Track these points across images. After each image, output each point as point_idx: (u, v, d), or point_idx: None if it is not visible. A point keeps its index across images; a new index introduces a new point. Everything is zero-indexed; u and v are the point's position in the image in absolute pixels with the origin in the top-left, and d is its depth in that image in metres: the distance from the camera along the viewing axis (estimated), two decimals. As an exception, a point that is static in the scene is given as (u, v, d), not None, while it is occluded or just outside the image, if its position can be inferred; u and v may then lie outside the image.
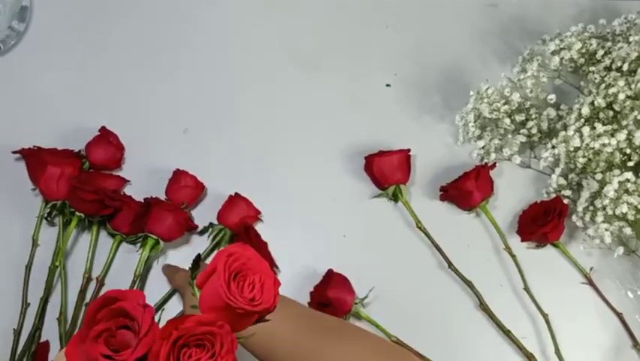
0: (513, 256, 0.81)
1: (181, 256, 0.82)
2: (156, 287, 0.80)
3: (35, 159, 0.81)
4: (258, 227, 0.81)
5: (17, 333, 0.76)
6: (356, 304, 0.78)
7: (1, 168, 0.85)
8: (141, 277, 0.79)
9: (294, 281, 0.81)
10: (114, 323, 0.42)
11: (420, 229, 0.82)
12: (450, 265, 0.80)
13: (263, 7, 0.97)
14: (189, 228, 0.81)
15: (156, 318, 0.75)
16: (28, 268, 0.79)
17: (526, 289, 0.79)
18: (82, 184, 0.77)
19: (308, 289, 0.79)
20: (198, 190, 0.83)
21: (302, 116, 0.90)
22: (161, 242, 0.79)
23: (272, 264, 0.79)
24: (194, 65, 0.93)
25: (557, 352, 0.77)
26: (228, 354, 0.41)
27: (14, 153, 0.83)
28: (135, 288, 0.78)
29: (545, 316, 0.78)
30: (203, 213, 0.83)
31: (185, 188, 0.83)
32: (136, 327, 0.42)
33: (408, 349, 0.76)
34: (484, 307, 0.79)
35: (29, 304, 0.77)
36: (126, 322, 0.42)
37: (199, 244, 0.82)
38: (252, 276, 0.44)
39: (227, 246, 0.44)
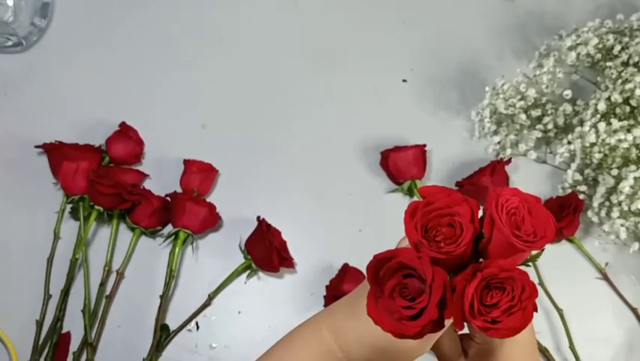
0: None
1: (210, 245, 0.84)
2: (189, 282, 0.82)
3: (56, 154, 0.83)
4: (276, 220, 0.82)
5: (40, 324, 0.78)
6: (371, 298, 0.79)
7: (24, 162, 0.87)
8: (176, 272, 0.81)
9: (311, 275, 0.82)
10: (399, 275, 0.45)
11: (435, 223, 0.82)
12: (465, 259, 0.81)
13: (283, 1, 0.98)
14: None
15: (192, 324, 0.77)
16: (50, 260, 0.80)
17: (541, 284, 0.79)
18: (100, 178, 0.79)
19: (324, 282, 0.80)
20: (211, 175, 0.85)
21: (319, 111, 0.91)
22: (194, 236, 0.82)
23: (287, 256, 0.80)
24: (214, 61, 0.94)
25: (572, 347, 0.77)
26: (529, 299, 0.43)
27: (37, 147, 0.85)
28: (170, 283, 0.80)
29: (560, 311, 0.78)
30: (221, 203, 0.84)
31: (195, 174, 0.84)
32: (420, 275, 0.44)
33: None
34: (498, 303, 0.79)
35: (51, 295, 0.79)
36: (409, 271, 0.45)
37: (225, 232, 0.84)
38: (523, 212, 0.45)
39: (492, 191, 0.46)
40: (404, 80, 0.92)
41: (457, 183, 0.85)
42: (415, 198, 0.84)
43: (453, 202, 0.46)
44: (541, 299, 0.79)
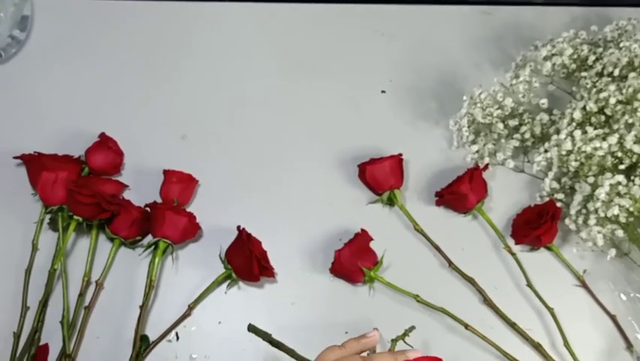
0: (513, 255, 0.81)
1: (190, 256, 0.83)
2: (169, 292, 0.81)
3: (34, 165, 0.82)
4: (256, 230, 0.81)
5: (17, 336, 0.77)
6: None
7: (2, 173, 0.86)
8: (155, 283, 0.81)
9: (291, 284, 0.82)
10: None
11: (418, 230, 0.83)
12: (450, 263, 0.81)
13: (261, 14, 0.99)
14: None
15: (172, 335, 0.75)
16: (28, 272, 0.79)
17: (530, 285, 0.80)
18: (79, 188, 0.78)
19: (305, 292, 0.80)
20: (191, 185, 0.85)
21: (299, 122, 0.91)
22: (174, 246, 0.81)
23: (268, 265, 0.80)
24: (193, 72, 0.94)
25: (566, 344, 0.77)
26: None
27: (15, 158, 0.84)
28: (150, 294, 0.79)
29: (551, 310, 0.79)
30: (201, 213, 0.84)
31: (175, 184, 0.84)
32: None
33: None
34: (488, 302, 0.79)
35: (29, 307, 0.78)
36: None
37: (205, 242, 0.84)
38: None
39: None
40: (383, 91, 0.93)
41: (437, 194, 0.85)
42: (396, 208, 0.85)
43: None
44: (530, 301, 0.80)
